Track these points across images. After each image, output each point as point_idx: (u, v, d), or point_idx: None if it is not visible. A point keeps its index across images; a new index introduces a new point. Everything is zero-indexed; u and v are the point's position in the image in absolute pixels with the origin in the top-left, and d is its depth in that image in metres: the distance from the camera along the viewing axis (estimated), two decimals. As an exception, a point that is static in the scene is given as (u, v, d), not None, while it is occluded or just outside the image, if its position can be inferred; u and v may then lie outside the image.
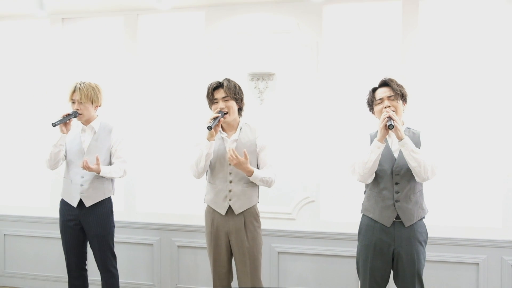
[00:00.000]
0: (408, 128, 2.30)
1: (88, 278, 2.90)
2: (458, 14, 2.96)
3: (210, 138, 2.34)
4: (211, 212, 2.47)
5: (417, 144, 2.20)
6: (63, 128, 2.66)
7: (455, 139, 2.95)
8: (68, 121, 2.66)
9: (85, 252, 2.84)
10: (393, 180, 2.21)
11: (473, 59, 2.94)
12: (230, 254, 2.48)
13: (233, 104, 2.42)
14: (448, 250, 2.94)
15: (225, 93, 2.40)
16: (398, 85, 2.25)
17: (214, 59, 3.28)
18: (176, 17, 3.38)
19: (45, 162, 2.76)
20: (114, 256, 2.81)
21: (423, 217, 2.26)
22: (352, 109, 3.06)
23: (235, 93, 2.41)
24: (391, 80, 2.25)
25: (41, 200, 3.64)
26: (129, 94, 3.45)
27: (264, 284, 2.54)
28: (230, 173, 2.41)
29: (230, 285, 2.52)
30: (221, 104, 2.40)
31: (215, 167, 2.44)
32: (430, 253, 2.38)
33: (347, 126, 3.09)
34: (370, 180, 2.25)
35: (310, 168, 3.16)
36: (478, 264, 2.92)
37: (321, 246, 3.13)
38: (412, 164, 2.12)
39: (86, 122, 2.76)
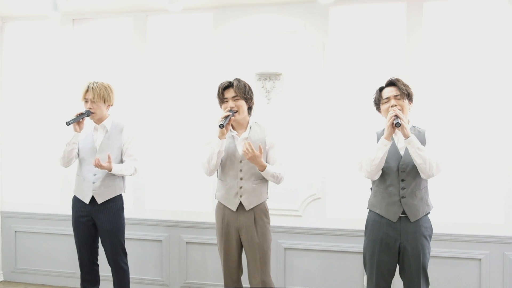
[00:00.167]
0: (414, 127, 2.36)
1: (100, 273, 2.96)
2: (461, 15, 3.02)
3: (221, 136, 2.40)
4: (222, 208, 2.53)
5: (422, 142, 2.26)
6: (77, 126, 2.72)
7: (458, 138, 3.01)
8: (81, 120, 2.72)
9: (97, 248, 2.91)
10: (399, 177, 2.28)
11: (476, 60, 3.00)
12: (240, 249, 2.54)
13: (242, 103, 2.48)
14: (451, 246, 3.00)
15: (235, 92, 2.46)
16: (404, 84, 2.31)
17: (222, 59, 3.34)
18: (184, 18, 3.43)
19: (58, 160, 2.82)
20: (125, 253, 2.87)
21: (428, 213, 2.33)
22: (357, 108, 3.13)
23: (244, 93, 2.48)
24: (398, 80, 2.32)
25: (51, 198, 3.70)
26: (138, 93, 3.51)
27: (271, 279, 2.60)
28: (240, 170, 2.47)
29: (240, 278, 2.59)
30: (231, 103, 2.46)
31: (225, 165, 2.50)
32: (433, 249, 2.44)
33: (352, 125, 3.15)
34: (377, 177, 2.31)
35: (316, 166, 3.22)
36: (480, 259, 2.98)
37: (327, 242, 3.20)
38: (417, 161, 2.19)
39: (99, 121, 2.82)
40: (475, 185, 3.01)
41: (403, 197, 2.27)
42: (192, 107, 3.43)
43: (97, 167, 2.62)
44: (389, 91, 2.32)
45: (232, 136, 2.52)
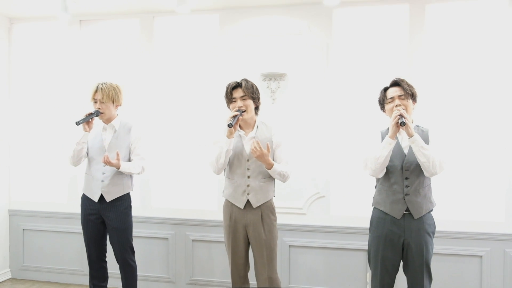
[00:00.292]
0: (417, 126, 2.41)
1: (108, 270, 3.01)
2: (463, 17, 3.08)
3: (230, 135, 2.45)
4: (229, 206, 2.58)
5: (426, 141, 2.31)
6: (86, 126, 2.77)
7: (459, 137, 3.07)
8: (90, 120, 2.77)
9: (105, 245, 2.95)
10: (403, 175, 2.33)
11: (476, 61, 3.05)
12: (247, 245, 2.59)
13: (250, 103, 2.53)
14: (453, 243, 3.06)
15: (243, 92, 2.51)
16: (408, 85, 2.36)
17: (228, 60, 3.39)
18: (190, 20, 3.48)
19: (68, 159, 2.87)
20: (133, 250, 2.92)
21: (431, 210, 2.38)
22: (360, 107, 3.18)
23: (252, 93, 2.53)
24: (402, 80, 2.37)
25: (59, 196, 3.75)
26: (145, 93, 3.56)
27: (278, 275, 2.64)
28: (248, 169, 2.53)
29: (247, 275, 2.64)
30: (239, 103, 2.51)
31: (233, 163, 2.56)
32: (435, 246, 2.48)
33: (355, 124, 3.21)
34: (381, 175, 2.36)
35: (320, 165, 3.28)
36: (481, 256, 3.04)
37: (331, 240, 3.26)
38: (421, 160, 2.24)
39: (107, 121, 2.87)
40: (476, 183, 3.06)
41: (407, 194, 2.32)
42: (197, 107, 3.48)
43: (106, 164, 2.67)
44: (394, 91, 2.37)
45: (240, 135, 2.57)
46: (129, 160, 2.88)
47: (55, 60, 3.74)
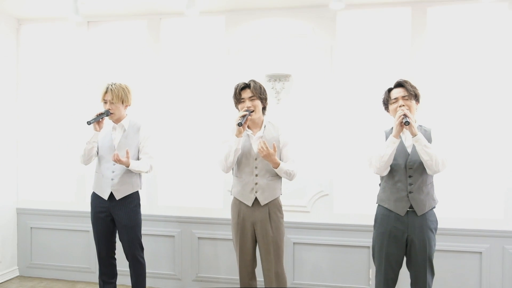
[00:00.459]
0: (420, 126, 2.48)
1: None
2: (464, 20, 3.15)
3: (239, 134, 2.52)
4: (237, 204, 2.65)
5: (428, 140, 2.38)
6: (96, 126, 2.82)
7: (460, 136, 3.14)
8: (101, 119, 2.82)
9: (114, 242, 3.01)
10: (407, 173, 2.40)
11: (477, 62, 3.13)
12: (255, 242, 2.66)
13: (258, 103, 2.60)
14: (453, 240, 3.13)
15: (251, 93, 2.58)
16: (412, 86, 2.43)
17: (233, 61, 3.45)
18: (197, 21, 3.54)
19: (79, 158, 2.93)
20: (142, 247, 2.97)
21: (434, 207, 2.45)
22: (362, 108, 3.26)
23: (260, 93, 2.60)
24: (406, 81, 2.44)
25: (66, 195, 3.80)
26: (152, 93, 3.62)
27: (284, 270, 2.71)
28: (256, 167, 2.59)
29: (254, 270, 2.71)
30: (247, 103, 2.58)
31: (241, 162, 2.62)
32: (436, 242, 2.52)
33: (358, 124, 3.28)
34: (385, 173, 2.43)
35: (324, 164, 3.35)
36: (481, 253, 3.11)
37: (334, 237, 3.32)
38: (424, 158, 2.31)
39: (117, 120, 2.92)
40: (476, 181, 3.13)
41: (410, 192, 2.39)
42: (203, 107, 3.54)
43: (116, 162, 2.72)
44: (398, 92, 2.44)
45: (248, 134, 2.64)
46: (138, 159, 2.93)
47: (63, 60, 3.79)
